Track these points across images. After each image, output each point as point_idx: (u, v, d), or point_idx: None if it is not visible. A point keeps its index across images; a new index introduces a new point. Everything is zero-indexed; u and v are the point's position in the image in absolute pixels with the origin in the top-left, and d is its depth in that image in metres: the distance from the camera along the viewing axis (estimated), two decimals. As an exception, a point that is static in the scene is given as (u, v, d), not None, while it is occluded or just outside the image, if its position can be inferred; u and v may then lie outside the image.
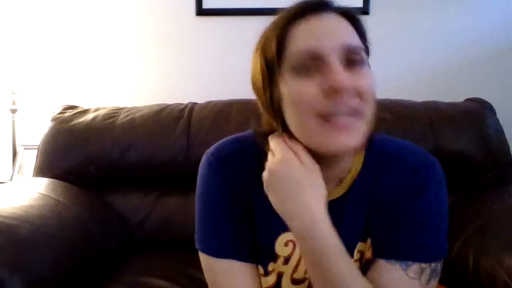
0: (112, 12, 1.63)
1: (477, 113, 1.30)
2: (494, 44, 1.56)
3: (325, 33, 0.56)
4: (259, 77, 0.61)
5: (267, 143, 0.63)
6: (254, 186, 0.65)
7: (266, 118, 0.64)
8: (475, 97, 1.37)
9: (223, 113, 1.32)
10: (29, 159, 1.58)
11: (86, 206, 1.18)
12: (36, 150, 1.36)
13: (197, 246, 0.68)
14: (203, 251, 0.67)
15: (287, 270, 0.67)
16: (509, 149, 1.29)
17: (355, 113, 0.55)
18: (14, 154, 1.60)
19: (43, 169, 1.31)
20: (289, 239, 0.66)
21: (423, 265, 0.60)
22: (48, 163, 1.31)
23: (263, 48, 0.61)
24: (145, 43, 1.63)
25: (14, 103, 1.58)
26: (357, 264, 0.65)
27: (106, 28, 1.63)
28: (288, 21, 0.59)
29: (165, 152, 1.29)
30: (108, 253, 1.14)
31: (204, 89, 1.60)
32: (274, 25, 0.60)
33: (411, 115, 1.28)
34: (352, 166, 0.65)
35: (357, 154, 0.66)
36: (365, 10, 1.54)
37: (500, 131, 1.29)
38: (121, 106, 1.42)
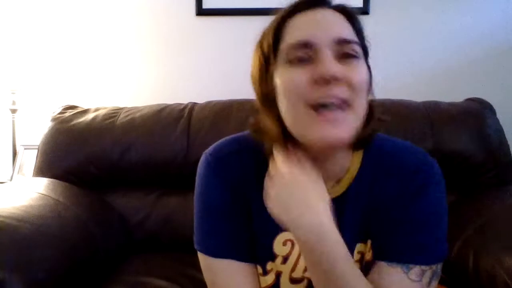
0: (112, 12, 1.63)
1: (477, 113, 1.30)
2: (494, 44, 1.56)
3: (319, 25, 0.58)
4: (256, 70, 0.63)
5: (266, 144, 0.63)
6: (253, 185, 0.66)
7: (262, 115, 0.64)
8: (475, 97, 1.37)
9: (223, 113, 1.32)
10: (29, 159, 1.58)
11: (86, 206, 1.18)
12: (36, 150, 1.36)
13: (195, 246, 0.68)
14: (201, 251, 0.67)
15: (286, 269, 0.67)
16: (509, 149, 1.29)
17: (344, 104, 0.56)
18: (14, 154, 1.60)
19: (43, 169, 1.31)
20: (287, 238, 0.66)
21: (424, 267, 0.60)
22: (48, 163, 1.31)
23: (261, 42, 0.63)
24: (145, 43, 1.63)
25: (14, 103, 1.58)
26: (357, 265, 0.65)
27: (106, 28, 1.63)
28: (285, 15, 0.61)
29: (165, 152, 1.29)
30: (108, 253, 1.14)
31: (204, 89, 1.60)
32: (272, 21, 0.62)
33: (411, 115, 1.28)
34: (351, 165, 0.65)
35: (355, 154, 0.66)
36: (365, 10, 1.54)
37: (500, 131, 1.29)
38: (121, 106, 1.42)
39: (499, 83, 1.56)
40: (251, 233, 0.67)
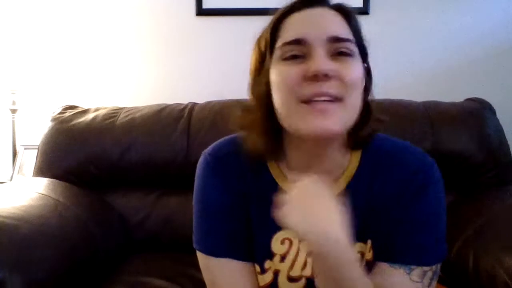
0: (112, 12, 1.63)
1: (477, 113, 1.30)
2: (494, 44, 1.56)
3: (314, 23, 0.59)
4: (254, 66, 0.65)
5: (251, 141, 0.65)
6: (251, 185, 0.66)
7: (253, 110, 0.65)
8: (475, 97, 1.37)
9: (223, 113, 1.32)
10: (29, 159, 1.58)
11: (86, 206, 1.18)
12: (36, 150, 1.36)
13: (194, 245, 0.69)
14: (200, 250, 0.68)
15: (284, 268, 0.67)
16: (509, 149, 1.29)
17: (336, 100, 0.56)
18: (14, 154, 1.60)
19: (43, 169, 1.31)
20: (285, 237, 0.66)
21: (426, 268, 0.61)
22: (48, 163, 1.31)
23: (259, 40, 0.64)
24: (145, 43, 1.63)
25: (14, 103, 1.58)
26: None
27: (106, 28, 1.63)
28: (283, 14, 0.62)
29: (165, 152, 1.29)
30: (108, 253, 1.14)
31: (204, 89, 1.60)
32: (271, 19, 0.63)
33: (411, 115, 1.28)
34: (349, 164, 0.66)
35: (354, 153, 0.66)
36: (365, 10, 1.54)
37: (500, 131, 1.29)
38: (121, 106, 1.42)
39: (499, 83, 1.56)
40: (249, 232, 0.67)
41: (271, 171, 0.68)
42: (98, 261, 1.08)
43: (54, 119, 1.36)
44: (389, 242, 0.62)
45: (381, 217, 0.64)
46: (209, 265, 0.67)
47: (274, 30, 0.61)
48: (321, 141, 0.60)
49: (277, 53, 0.60)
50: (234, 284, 0.66)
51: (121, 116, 1.34)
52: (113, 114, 1.35)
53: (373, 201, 0.65)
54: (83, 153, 1.30)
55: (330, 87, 0.56)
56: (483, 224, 1.04)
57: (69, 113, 1.38)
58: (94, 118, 1.34)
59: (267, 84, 0.61)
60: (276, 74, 0.60)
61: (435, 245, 0.63)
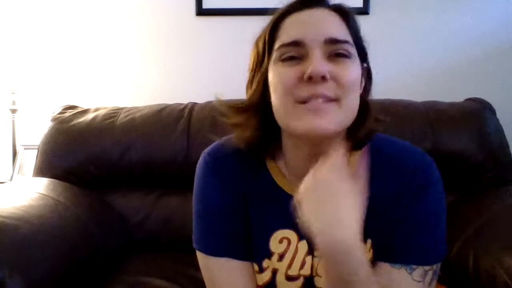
0: (112, 12, 1.63)
1: (477, 113, 1.30)
2: (494, 44, 1.56)
3: (312, 25, 0.59)
4: (252, 66, 0.65)
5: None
6: (250, 185, 0.67)
7: (249, 111, 0.65)
8: (475, 97, 1.37)
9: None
10: (29, 159, 1.58)
11: (86, 206, 1.18)
12: (36, 150, 1.36)
13: (194, 245, 0.69)
14: (200, 250, 0.68)
15: (282, 267, 0.67)
16: (509, 149, 1.29)
17: (332, 100, 0.57)
18: (14, 154, 1.60)
19: (43, 169, 1.31)
20: (284, 236, 0.66)
21: (427, 267, 0.61)
22: (48, 163, 1.31)
23: (258, 40, 0.65)
24: (145, 43, 1.63)
25: (14, 103, 1.58)
26: None
27: (106, 28, 1.63)
28: (282, 15, 0.62)
29: (165, 152, 1.29)
30: (108, 253, 1.14)
31: (204, 89, 1.59)
32: (270, 20, 0.63)
33: (411, 115, 1.28)
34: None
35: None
36: (365, 10, 1.54)
37: (500, 131, 1.29)
38: (121, 106, 1.42)
39: (499, 83, 1.56)
40: (248, 231, 0.68)
41: (270, 170, 0.68)
42: (98, 261, 1.08)
43: (54, 119, 1.36)
44: (389, 242, 0.62)
45: (381, 217, 0.64)
46: (209, 265, 0.67)
47: (273, 31, 0.62)
48: (318, 141, 0.60)
49: (275, 54, 0.61)
50: (234, 284, 0.66)
51: (121, 116, 1.34)
52: (113, 114, 1.35)
53: (372, 201, 0.64)
54: (83, 153, 1.30)
55: (327, 89, 0.56)
56: (483, 224, 1.04)
57: (69, 113, 1.38)
58: (94, 118, 1.34)
59: (265, 84, 0.62)
60: (274, 75, 0.60)
61: (436, 244, 0.63)
